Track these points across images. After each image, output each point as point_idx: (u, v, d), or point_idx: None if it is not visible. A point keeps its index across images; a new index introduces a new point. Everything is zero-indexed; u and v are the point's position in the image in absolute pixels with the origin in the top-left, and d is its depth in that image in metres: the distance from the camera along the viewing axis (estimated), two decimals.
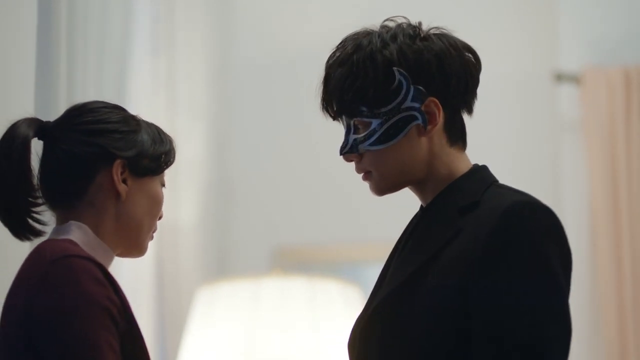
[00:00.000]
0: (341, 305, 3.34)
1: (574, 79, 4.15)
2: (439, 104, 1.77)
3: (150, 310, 3.42)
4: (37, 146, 1.84)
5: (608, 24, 4.20)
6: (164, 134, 1.89)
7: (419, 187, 1.81)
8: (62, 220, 1.81)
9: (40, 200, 1.81)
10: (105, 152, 1.80)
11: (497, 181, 1.80)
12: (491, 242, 1.67)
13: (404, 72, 1.76)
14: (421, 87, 1.76)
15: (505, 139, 4.21)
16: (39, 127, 1.82)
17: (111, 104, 1.88)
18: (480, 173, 1.81)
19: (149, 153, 1.84)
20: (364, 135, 1.78)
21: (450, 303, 1.68)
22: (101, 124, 1.82)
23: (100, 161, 1.81)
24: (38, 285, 1.68)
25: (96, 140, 1.81)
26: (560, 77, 4.16)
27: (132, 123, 1.85)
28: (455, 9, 4.20)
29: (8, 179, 1.77)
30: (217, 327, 3.29)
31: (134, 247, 1.85)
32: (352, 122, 1.80)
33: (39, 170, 1.82)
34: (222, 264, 4.20)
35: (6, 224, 1.81)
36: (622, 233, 4.02)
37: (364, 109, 1.77)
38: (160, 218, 1.89)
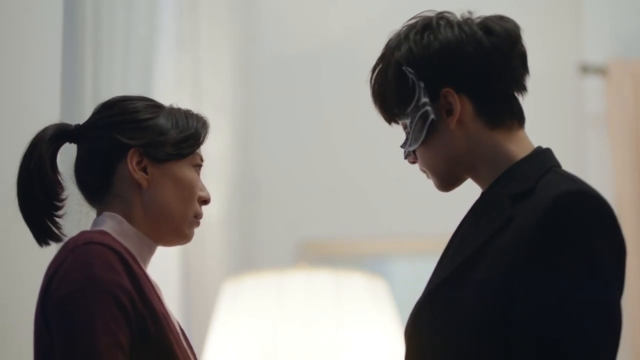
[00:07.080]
0: (367, 298, 3.34)
1: (600, 70, 4.13)
2: (454, 93, 1.74)
3: (176, 304, 3.43)
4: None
5: (633, 15, 4.18)
6: (193, 117, 1.89)
7: (474, 176, 1.77)
8: (99, 214, 1.84)
9: (62, 204, 1.83)
10: (119, 143, 1.81)
11: (557, 165, 1.74)
12: (536, 233, 1.61)
13: (412, 70, 1.75)
14: (431, 81, 1.74)
15: (529, 131, 4.18)
16: (64, 132, 1.84)
17: (135, 96, 1.88)
18: (540, 157, 1.75)
19: (169, 138, 1.84)
20: (405, 137, 1.80)
21: (497, 296, 1.61)
22: (116, 117, 1.83)
23: (117, 153, 1.82)
24: (55, 271, 1.70)
25: (110, 133, 1.82)
26: (585, 69, 4.14)
27: (151, 111, 1.85)
28: (479, 3, 4.19)
29: (33, 182, 1.80)
30: (243, 321, 3.30)
31: (172, 234, 1.85)
32: (403, 125, 1.81)
33: (74, 169, 1.85)
34: (248, 258, 4.22)
35: (29, 226, 1.83)
36: None
37: (396, 111, 1.79)
38: (206, 202, 1.89)
